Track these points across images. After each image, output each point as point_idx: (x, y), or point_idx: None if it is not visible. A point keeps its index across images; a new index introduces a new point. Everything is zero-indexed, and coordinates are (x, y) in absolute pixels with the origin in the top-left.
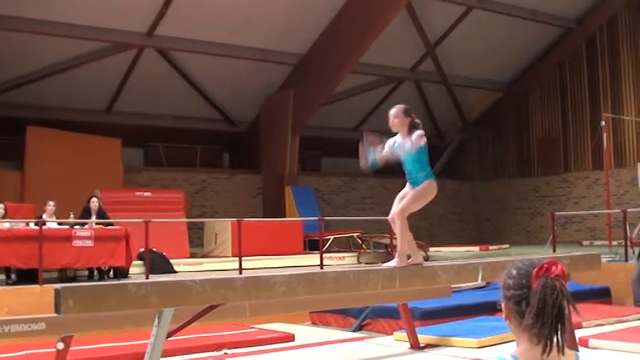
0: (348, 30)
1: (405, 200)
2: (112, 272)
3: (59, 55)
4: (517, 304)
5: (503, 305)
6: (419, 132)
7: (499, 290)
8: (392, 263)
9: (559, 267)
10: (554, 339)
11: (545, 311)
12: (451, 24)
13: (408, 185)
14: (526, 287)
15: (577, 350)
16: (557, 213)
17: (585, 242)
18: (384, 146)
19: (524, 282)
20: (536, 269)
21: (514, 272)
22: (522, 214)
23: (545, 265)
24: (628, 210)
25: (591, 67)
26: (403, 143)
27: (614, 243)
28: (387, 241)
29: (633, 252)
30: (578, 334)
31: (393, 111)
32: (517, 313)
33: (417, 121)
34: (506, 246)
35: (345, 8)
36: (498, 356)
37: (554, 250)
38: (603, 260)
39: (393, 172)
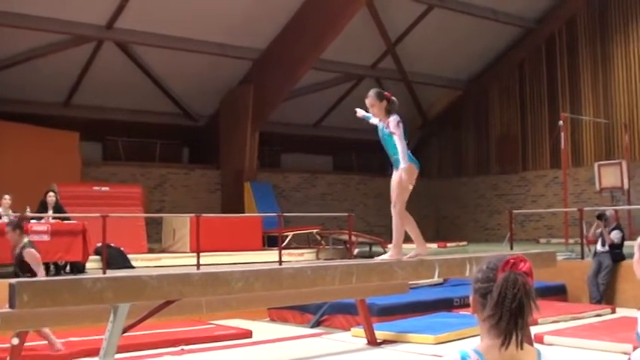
0: (309, 26)
1: (393, 195)
2: (68, 267)
3: (16, 47)
4: (482, 297)
5: (471, 298)
6: (394, 118)
7: (457, 287)
8: (385, 256)
9: (527, 264)
10: (513, 333)
11: (504, 304)
12: (412, 22)
13: (394, 169)
14: (492, 280)
15: (532, 345)
16: (515, 211)
17: (542, 240)
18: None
19: (491, 275)
20: (502, 263)
21: (484, 266)
22: (481, 212)
23: (512, 261)
24: (585, 209)
25: (550, 67)
26: (383, 126)
27: (570, 241)
28: (346, 237)
29: (589, 250)
30: (534, 330)
31: (367, 100)
32: (482, 306)
33: (393, 98)
34: (464, 243)
35: (307, 4)
36: (460, 350)
37: (511, 248)
38: (560, 258)
39: (351, 169)
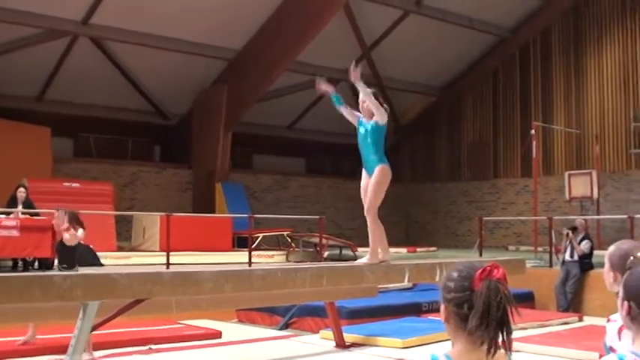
0: (285, 28)
1: (367, 198)
2: (36, 263)
3: None
4: (458, 307)
5: (442, 307)
6: (384, 110)
7: (426, 292)
8: (363, 260)
9: (500, 270)
10: (499, 339)
11: (490, 313)
12: (388, 27)
13: (364, 173)
14: (468, 290)
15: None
16: (485, 218)
17: (511, 247)
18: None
19: (467, 284)
20: (479, 272)
21: (455, 275)
22: (451, 218)
23: (488, 268)
24: (554, 217)
25: (524, 76)
26: (365, 125)
27: (539, 249)
28: (316, 240)
29: (558, 258)
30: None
31: (362, 98)
32: (457, 316)
33: (385, 106)
34: (434, 249)
35: (284, 6)
36: (431, 354)
37: (480, 254)
38: (528, 265)
39: (324, 172)
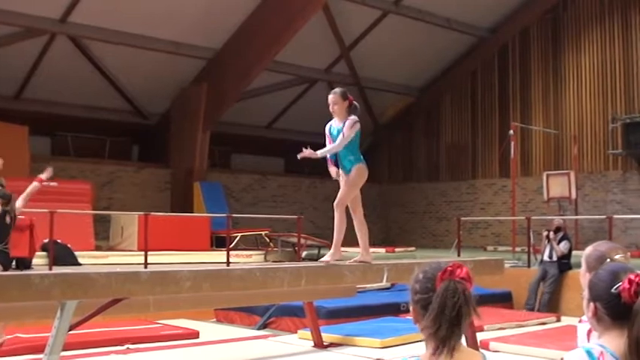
0: (264, 27)
1: (340, 192)
2: (14, 263)
3: None
4: (424, 308)
5: (411, 309)
6: (352, 118)
7: (404, 292)
8: (327, 257)
9: (464, 270)
10: (448, 342)
11: (444, 313)
12: (367, 27)
13: (341, 172)
14: (431, 291)
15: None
16: (463, 218)
17: (490, 247)
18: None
19: (430, 285)
20: (440, 272)
21: (420, 276)
22: (429, 218)
23: (449, 269)
24: (532, 218)
25: (502, 77)
26: (338, 127)
27: (517, 249)
28: (294, 239)
29: (536, 259)
30: (480, 336)
31: (331, 97)
32: (424, 317)
33: (355, 103)
34: (412, 249)
35: (263, 6)
36: (403, 357)
37: (458, 254)
38: (506, 265)
39: (303, 172)
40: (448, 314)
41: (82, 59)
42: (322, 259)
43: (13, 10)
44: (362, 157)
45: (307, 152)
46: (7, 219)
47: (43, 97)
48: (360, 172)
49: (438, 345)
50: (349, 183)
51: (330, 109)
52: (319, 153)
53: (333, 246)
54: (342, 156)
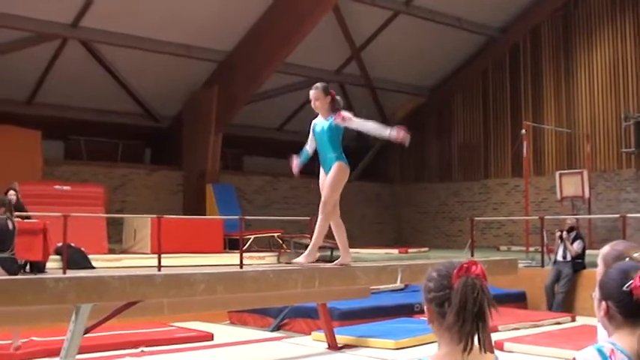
0: (274, 29)
1: (324, 193)
2: (28, 267)
3: None
4: (439, 306)
5: (425, 309)
6: (345, 114)
7: (418, 293)
8: (301, 259)
9: (479, 267)
10: (475, 337)
11: (467, 309)
12: (377, 28)
13: (321, 171)
14: (447, 288)
15: (492, 353)
16: (476, 218)
17: (503, 247)
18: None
19: (445, 283)
20: (456, 269)
21: (434, 275)
22: (442, 218)
23: (465, 265)
24: (546, 217)
25: (513, 76)
26: (322, 123)
27: (531, 249)
28: (307, 241)
29: (549, 258)
30: (494, 337)
31: (312, 92)
32: (439, 315)
33: (338, 98)
34: (425, 249)
35: (273, 8)
36: (416, 359)
37: (472, 255)
38: (520, 266)
39: (314, 173)
40: (471, 309)
41: (94, 63)
42: (295, 261)
43: (24, 15)
44: (344, 154)
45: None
46: (10, 225)
47: (55, 102)
48: (339, 169)
49: (466, 341)
50: (330, 183)
51: (312, 105)
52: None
53: (309, 247)
54: (324, 151)
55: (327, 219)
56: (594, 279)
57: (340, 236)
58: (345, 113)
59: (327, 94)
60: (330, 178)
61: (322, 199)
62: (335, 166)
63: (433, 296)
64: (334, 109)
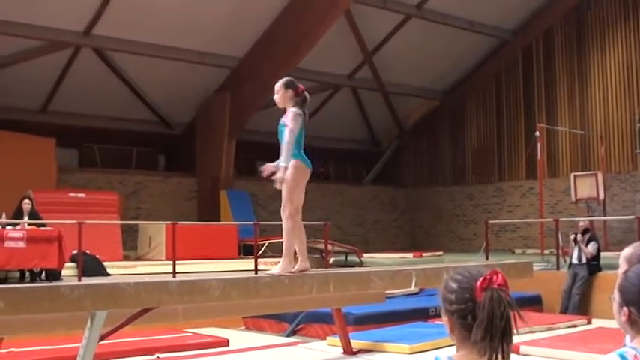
0: (286, 35)
1: (282, 199)
2: (43, 274)
3: None
4: (462, 318)
5: (446, 319)
6: (294, 110)
7: (433, 297)
8: (275, 270)
9: (500, 276)
10: (500, 350)
11: (494, 324)
12: (389, 32)
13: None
14: (470, 301)
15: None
16: (491, 221)
17: (518, 250)
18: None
19: (468, 296)
20: (479, 282)
21: (455, 286)
22: (456, 222)
23: (488, 277)
24: (560, 219)
25: (527, 78)
26: (283, 120)
27: (546, 252)
28: (321, 246)
29: (565, 261)
30: None
31: (275, 86)
32: (462, 327)
33: (305, 94)
34: (440, 253)
35: (284, 13)
36: (436, 355)
37: (487, 258)
38: (535, 268)
39: (328, 178)
40: (498, 324)
41: (107, 71)
42: (269, 272)
43: (37, 24)
44: (302, 153)
45: (269, 169)
46: None
47: (69, 110)
48: (294, 169)
49: (493, 355)
50: (287, 187)
51: (275, 98)
52: (281, 163)
53: (282, 258)
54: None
55: (291, 221)
56: (610, 281)
57: (300, 241)
58: (291, 114)
59: (287, 87)
60: (287, 181)
61: (282, 206)
62: (291, 165)
63: (455, 308)
64: (294, 105)
